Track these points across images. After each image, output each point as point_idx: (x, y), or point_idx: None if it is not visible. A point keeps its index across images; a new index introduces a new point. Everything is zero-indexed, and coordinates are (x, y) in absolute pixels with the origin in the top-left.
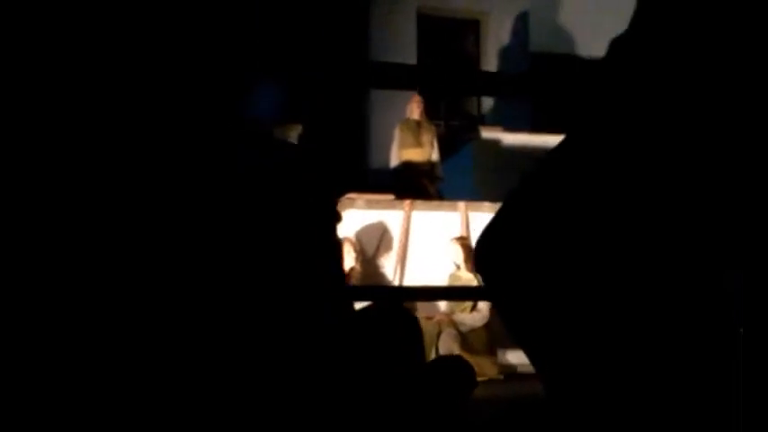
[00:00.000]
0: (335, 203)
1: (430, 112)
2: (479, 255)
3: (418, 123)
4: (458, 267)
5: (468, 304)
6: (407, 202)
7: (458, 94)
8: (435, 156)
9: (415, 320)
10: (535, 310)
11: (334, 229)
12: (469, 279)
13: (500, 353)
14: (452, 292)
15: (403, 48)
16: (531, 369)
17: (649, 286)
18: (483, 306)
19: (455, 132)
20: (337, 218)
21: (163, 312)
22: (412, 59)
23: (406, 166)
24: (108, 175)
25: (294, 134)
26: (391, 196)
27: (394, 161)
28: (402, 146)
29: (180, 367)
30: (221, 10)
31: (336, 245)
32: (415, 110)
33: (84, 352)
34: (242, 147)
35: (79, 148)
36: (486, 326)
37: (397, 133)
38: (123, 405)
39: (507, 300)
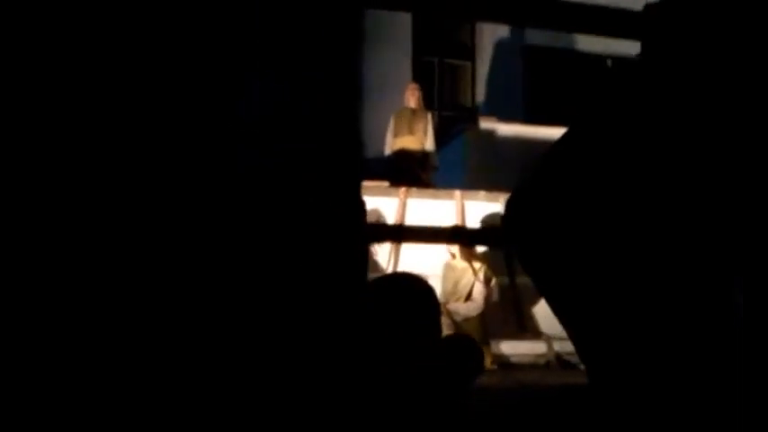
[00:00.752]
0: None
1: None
2: (509, 216)
3: (413, 111)
4: (453, 256)
5: (463, 293)
6: (402, 189)
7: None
8: (429, 144)
9: (431, 290)
10: (559, 264)
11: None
12: (464, 268)
13: (494, 343)
14: (458, 234)
15: (397, 38)
16: (523, 359)
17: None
18: (477, 296)
19: (449, 123)
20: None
21: (164, 311)
22: (406, 50)
23: (399, 154)
24: (107, 175)
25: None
26: (386, 183)
27: (388, 149)
28: (395, 134)
29: (179, 366)
30: (221, 9)
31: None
32: (410, 98)
33: (82, 350)
34: (242, 147)
35: (78, 148)
36: (481, 316)
37: (391, 122)
38: (125, 403)
39: (534, 254)
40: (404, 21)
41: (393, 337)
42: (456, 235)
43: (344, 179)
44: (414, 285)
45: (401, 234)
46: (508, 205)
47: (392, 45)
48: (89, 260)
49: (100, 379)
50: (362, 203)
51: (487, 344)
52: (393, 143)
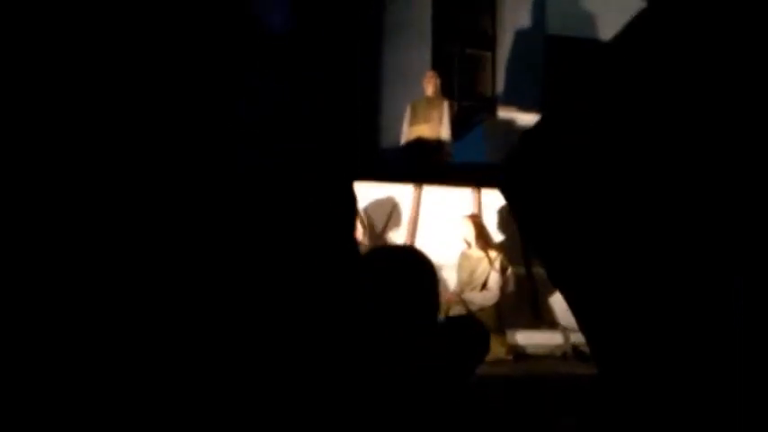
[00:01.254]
0: (352, 196)
1: (444, 93)
2: (509, 172)
3: (429, 100)
4: (468, 245)
5: (478, 283)
6: None
7: None
8: (445, 133)
9: (430, 263)
10: (556, 221)
11: (346, 226)
12: (480, 257)
13: (509, 333)
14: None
15: (417, 28)
16: (539, 350)
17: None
18: (493, 285)
19: (468, 113)
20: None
21: (164, 313)
22: (426, 40)
23: (414, 142)
24: (105, 175)
25: None
26: None
27: (403, 138)
28: (411, 122)
29: (179, 366)
30: (221, 8)
31: (349, 243)
32: (428, 86)
33: (83, 352)
34: (242, 146)
35: (76, 148)
36: (496, 305)
37: (408, 111)
38: (125, 403)
39: (531, 212)
40: (424, 10)
41: (393, 322)
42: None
43: (343, 179)
44: (411, 261)
45: None
46: (507, 163)
47: (412, 35)
48: (88, 259)
49: (100, 379)
50: (354, 199)
51: (503, 334)
52: (409, 132)
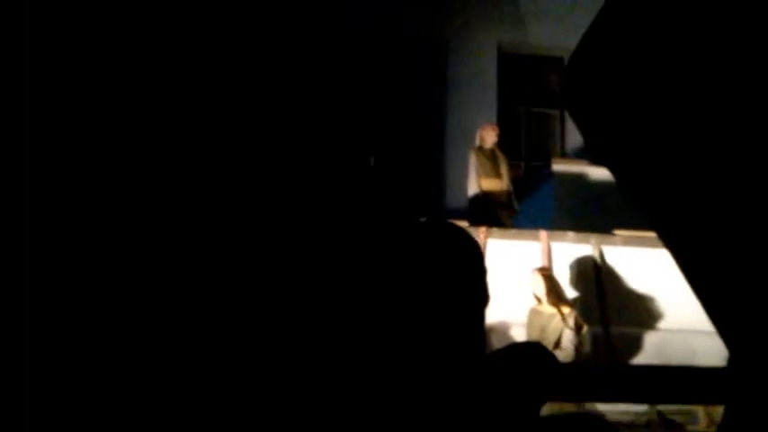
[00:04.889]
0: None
1: (510, 151)
2: (569, 78)
3: (494, 152)
4: (539, 301)
5: (550, 342)
6: (483, 229)
7: None
8: (511, 187)
9: (472, 240)
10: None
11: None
12: (552, 314)
13: None
14: None
15: (483, 86)
16: (621, 417)
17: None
18: (567, 344)
19: (536, 171)
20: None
21: (164, 311)
22: (492, 98)
23: (485, 196)
24: (106, 175)
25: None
26: (465, 223)
27: (473, 188)
28: (481, 174)
29: (179, 366)
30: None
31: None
32: (490, 136)
33: (82, 350)
34: (244, 147)
35: (77, 147)
36: None
37: (473, 160)
38: (125, 403)
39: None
40: (489, 69)
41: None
42: None
43: (354, 182)
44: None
45: None
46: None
47: (477, 94)
48: (89, 259)
49: (100, 379)
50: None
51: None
52: (479, 183)
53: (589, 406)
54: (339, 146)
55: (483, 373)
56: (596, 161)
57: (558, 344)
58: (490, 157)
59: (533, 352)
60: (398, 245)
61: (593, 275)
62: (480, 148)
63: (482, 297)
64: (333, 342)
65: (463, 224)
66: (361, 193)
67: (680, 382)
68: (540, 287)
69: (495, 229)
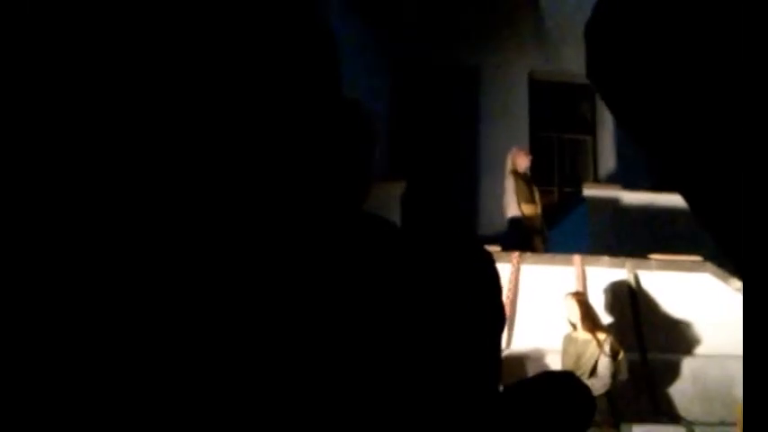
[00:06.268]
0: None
1: (542, 177)
2: (592, 35)
3: (528, 177)
4: (573, 327)
5: (586, 369)
6: (516, 254)
7: None
8: (540, 211)
9: (486, 253)
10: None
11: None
12: (587, 340)
13: (624, 427)
14: None
15: (514, 114)
16: None
17: None
18: (603, 370)
19: (569, 198)
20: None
21: (165, 311)
22: (524, 126)
23: (523, 220)
24: (106, 175)
25: (397, 192)
26: (497, 248)
27: (512, 211)
28: (520, 198)
29: (180, 365)
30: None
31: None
32: (525, 161)
33: (81, 350)
34: (246, 146)
35: (78, 147)
36: (608, 395)
37: (510, 183)
38: (125, 403)
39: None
40: (521, 95)
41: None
42: None
43: (349, 183)
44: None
45: None
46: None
47: (509, 122)
48: (89, 259)
49: (99, 378)
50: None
51: (617, 428)
52: (519, 207)
53: (626, 431)
54: (340, 146)
55: (496, 406)
56: (628, 137)
57: (594, 371)
58: (526, 181)
59: (565, 384)
60: (405, 255)
61: (629, 300)
62: (516, 172)
63: (496, 316)
64: (328, 357)
65: (495, 249)
66: (362, 192)
67: None
68: (574, 313)
69: (528, 255)
